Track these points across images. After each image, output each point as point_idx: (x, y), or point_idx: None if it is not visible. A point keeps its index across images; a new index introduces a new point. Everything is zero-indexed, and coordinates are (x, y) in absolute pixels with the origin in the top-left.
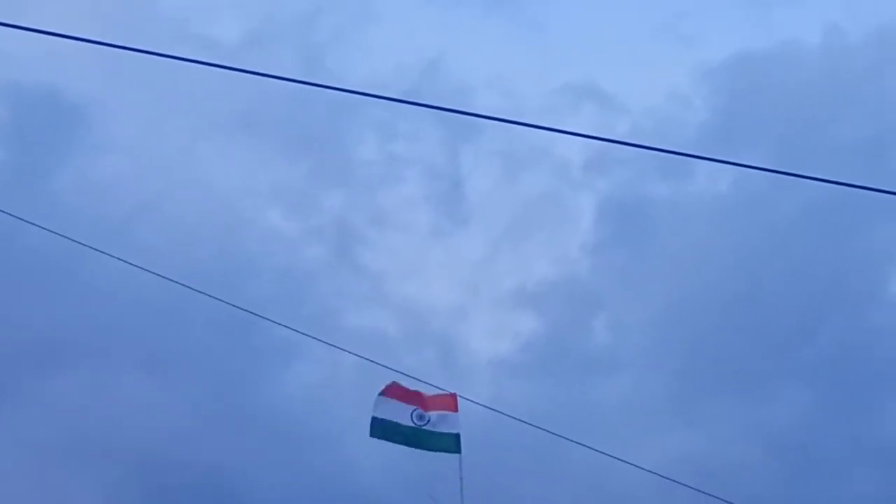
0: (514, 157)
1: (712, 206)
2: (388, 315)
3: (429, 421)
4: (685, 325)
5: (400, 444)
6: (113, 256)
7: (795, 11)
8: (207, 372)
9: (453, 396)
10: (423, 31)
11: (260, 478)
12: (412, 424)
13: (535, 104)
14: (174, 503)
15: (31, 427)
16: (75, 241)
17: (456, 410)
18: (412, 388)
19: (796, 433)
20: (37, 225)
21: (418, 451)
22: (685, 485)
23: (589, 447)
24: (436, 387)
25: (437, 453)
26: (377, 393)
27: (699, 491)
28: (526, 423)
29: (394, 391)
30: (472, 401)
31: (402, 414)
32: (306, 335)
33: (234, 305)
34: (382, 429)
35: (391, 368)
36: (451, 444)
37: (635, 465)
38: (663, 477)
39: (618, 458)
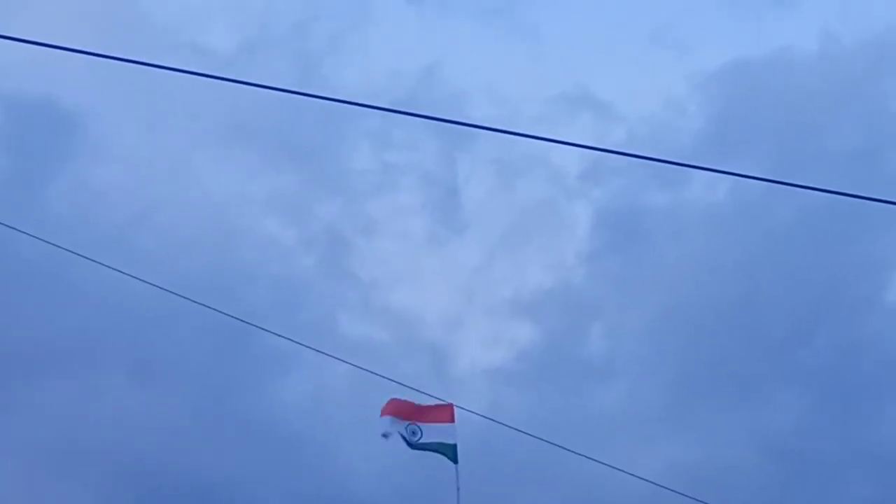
0: (510, 166)
1: (708, 213)
2: (384, 324)
3: (422, 435)
4: (681, 332)
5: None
6: (106, 266)
7: (790, 18)
8: (201, 380)
9: (450, 407)
10: (419, 39)
11: (255, 486)
12: (407, 439)
13: (531, 113)
14: None
15: (24, 433)
16: (69, 250)
17: (453, 421)
18: (406, 398)
19: (792, 439)
20: (31, 235)
21: (415, 458)
22: (681, 493)
23: (585, 456)
24: (432, 396)
25: (437, 458)
26: (379, 412)
27: (695, 499)
28: (522, 431)
29: (390, 408)
30: (468, 410)
31: (396, 429)
32: (301, 344)
33: (228, 315)
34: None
35: (387, 378)
36: (447, 454)
37: (631, 474)
38: (659, 485)
39: (613, 467)
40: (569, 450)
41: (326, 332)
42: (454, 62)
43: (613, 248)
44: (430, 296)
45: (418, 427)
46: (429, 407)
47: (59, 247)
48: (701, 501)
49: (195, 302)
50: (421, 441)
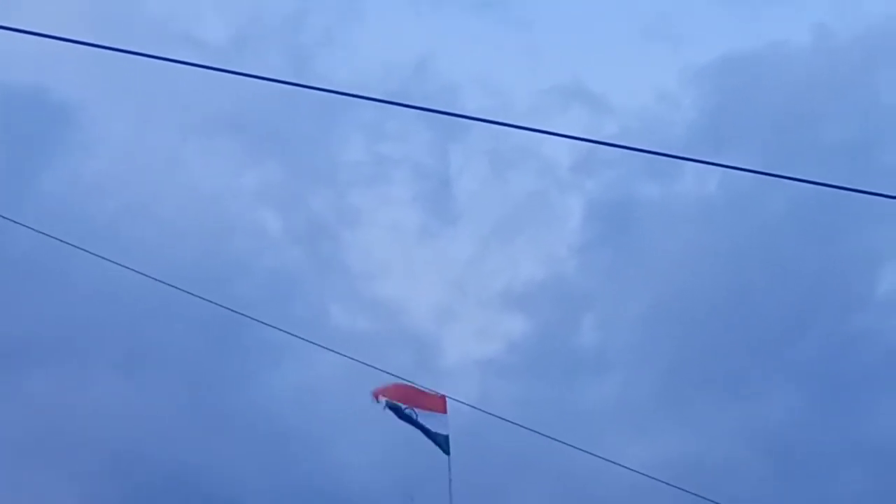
0: (503, 157)
1: (700, 206)
2: (376, 315)
3: (417, 418)
4: (673, 325)
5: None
6: (96, 255)
7: (784, 12)
8: (191, 372)
9: (442, 399)
10: (411, 31)
11: (245, 478)
12: (408, 414)
13: (524, 104)
14: (160, 503)
15: (10, 423)
16: (60, 240)
17: (444, 412)
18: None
19: (785, 431)
20: (22, 224)
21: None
22: (673, 485)
23: (576, 448)
24: (425, 389)
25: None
26: (372, 400)
27: (687, 491)
28: (514, 423)
29: (388, 392)
30: (460, 402)
31: (399, 407)
32: (293, 335)
33: (220, 305)
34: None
35: (379, 369)
36: (440, 442)
37: (623, 466)
38: (651, 477)
39: (605, 459)
40: (560, 441)
41: (318, 324)
42: (447, 54)
43: (605, 240)
44: (422, 287)
45: (414, 411)
46: (424, 393)
47: (50, 236)
48: (693, 494)
49: (186, 292)
50: (418, 422)
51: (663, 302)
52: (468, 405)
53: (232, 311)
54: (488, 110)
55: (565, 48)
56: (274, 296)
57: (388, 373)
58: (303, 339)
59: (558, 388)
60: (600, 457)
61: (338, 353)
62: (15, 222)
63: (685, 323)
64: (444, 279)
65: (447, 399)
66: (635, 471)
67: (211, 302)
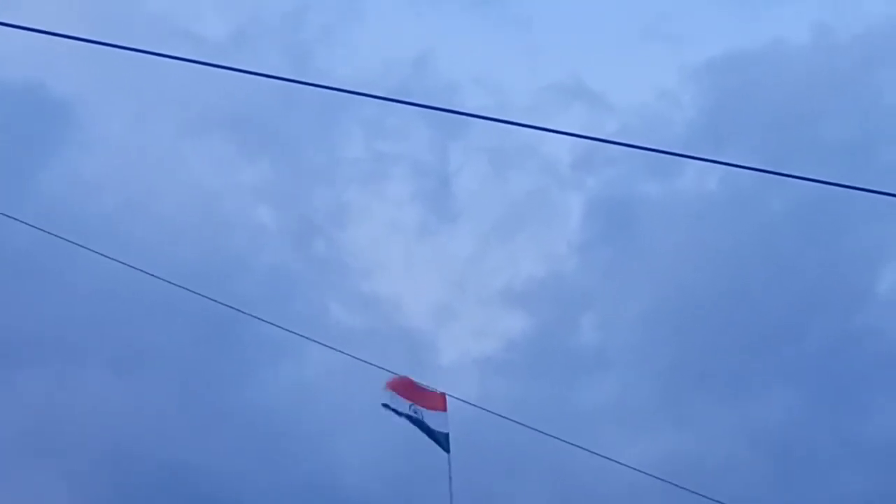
0: (503, 155)
1: (700, 204)
2: (374, 313)
3: (423, 417)
4: (673, 323)
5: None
6: (95, 252)
7: (783, 10)
8: (188, 369)
9: (442, 396)
10: (411, 28)
11: (243, 476)
12: (410, 415)
13: (523, 102)
14: (155, 502)
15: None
16: (59, 236)
17: (444, 409)
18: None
19: (784, 432)
20: (21, 221)
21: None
22: (672, 483)
23: (576, 446)
24: (424, 387)
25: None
26: (384, 385)
27: (686, 490)
28: (513, 421)
29: (393, 384)
30: (460, 399)
31: (402, 405)
32: (291, 332)
33: (218, 302)
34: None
35: (377, 366)
36: (440, 441)
37: (622, 465)
38: (650, 476)
39: (604, 457)
40: (560, 439)
41: (316, 321)
42: (447, 51)
43: (605, 239)
44: (421, 285)
45: (419, 409)
46: (425, 390)
47: (47, 232)
48: (692, 492)
49: (184, 288)
50: (423, 421)
51: (663, 300)
52: (468, 403)
53: (231, 307)
54: (488, 108)
55: (565, 46)
56: (272, 293)
57: (386, 370)
58: (301, 335)
59: (558, 386)
60: (600, 455)
61: (337, 350)
62: (13, 218)
63: (685, 321)
64: (444, 277)
65: (447, 397)
66: (635, 469)
67: (209, 299)
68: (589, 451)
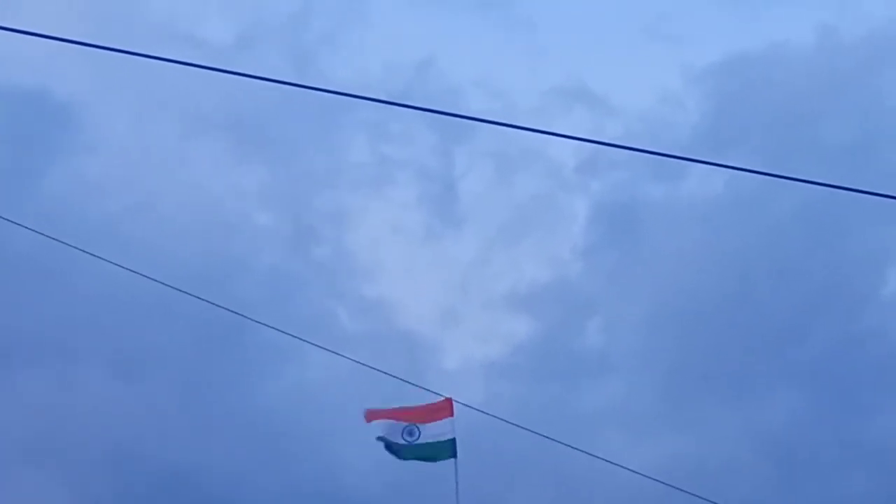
0: (507, 159)
1: (704, 207)
2: (379, 317)
3: (420, 435)
4: (677, 326)
5: (395, 457)
6: (96, 256)
7: (787, 12)
8: (190, 372)
9: (448, 401)
10: (414, 32)
11: (245, 478)
12: (403, 442)
13: (527, 106)
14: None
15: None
16: (60, 240)
17: (451, 415)
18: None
19: (787, 435)
20: (23, 226)
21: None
22: (676, 487)
23: (580, 450)
24: (429, 391)
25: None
26: (364, 419)
27: (691, 493)
28: (517, 426)
29: (376, 414)
30: (466, 405)
31: (394, 432)
32: (295, 336)
33: (220, 306)
34: (386, 446)
35: (381, 371)
36: (445, 450)
37: (627, 468)
38: (654, 479)
39: (609, 461)
40: (564, 444)
41: (320, 326)
42: (450, 55)
43: (610, 242)
44: (426, 289)
45: (416, 427)
46: (425, 407)
47: (49, 237)
48: (696, 496)
49: (185, 292)
50: (418, 441)
51: (667, 304)
52: (473, 408)
53: (233, 312)
54: (491, 111)
55: (568, 49)
56: (275, 297)
57: (390, 375)
58: (304, 339)
59: (562, 390)
60: (604, 459)
61: (340, 354)
62: (14, 223)
63: (689, 325)
64: (448, 281)
65: (453, 402)
66: (639, 473)
67: (211, 303)
68: (593, 455)
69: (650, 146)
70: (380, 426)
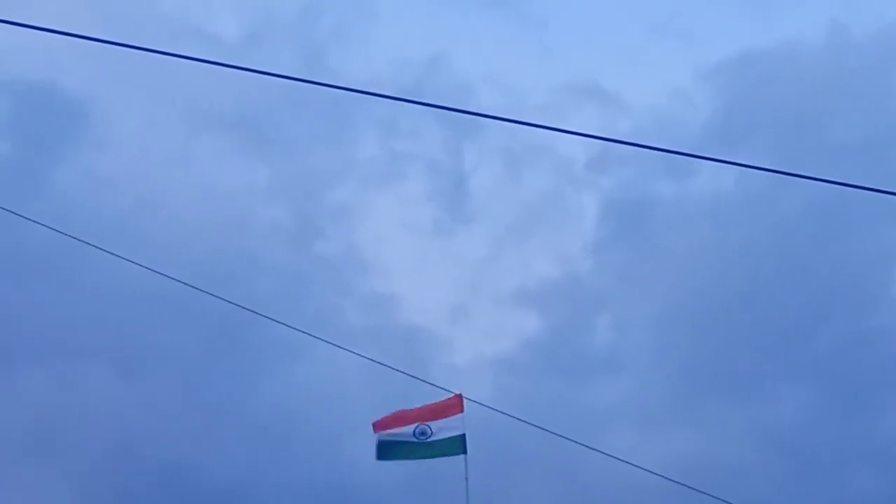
0: (517, 155)
1: (714, 205)
2: (389, 313)
3: (432, 433)
4: (686, 324)
5: (406, 459)
6: (106, 251)
7: (798, 9)
8: (198, 368)
9: (458, 397)
10: (425, 28)
11: (252, 475)
12: (415, 440)
13: (537, 102)
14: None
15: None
16: (70, 236)
17: (462, 411)
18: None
19: (797, 433)
20: (33, 220)
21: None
22: (685, 485)
23: (589, 447)
24: (438, 387)
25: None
26: (372, 426)
27: (699, 491)
28: (527, 422)
29: (387, 421)
30: (476, 402)
31: (404, 434)
32: (305, 333)
33: (231, 302)
34: (387, 451)
35: (391, 367)
36: (456, 446)
37: (635, 465)
38: (663, 477)
39: (618, 458)
40: (573, 440)
41: (328, 322)
42: (460, 51)
43: (620, 239)
44: (435, 285)
45: (428, 427)
46: (434, 405)
47: (58, 231)
48: (705, 494)
49: (194, 288)
50: (431, 439)
51: (677, 301)
52: (482, 405)
53: (242, 307)
54: (502, 108)
55: (579, 46)
56: (284, 292)
57: (400, 371)
58: (314, 336)
59: (571, 387)
60: (612, 456)
61: (350, 350)
62: (24, 217)
63: (698, 322)
64: (458, 277)
65: (463, 398)
66: (647, 470)
67: (219, 298)
68: (602, 452)
69: (660, 143)
70: (388, 434)
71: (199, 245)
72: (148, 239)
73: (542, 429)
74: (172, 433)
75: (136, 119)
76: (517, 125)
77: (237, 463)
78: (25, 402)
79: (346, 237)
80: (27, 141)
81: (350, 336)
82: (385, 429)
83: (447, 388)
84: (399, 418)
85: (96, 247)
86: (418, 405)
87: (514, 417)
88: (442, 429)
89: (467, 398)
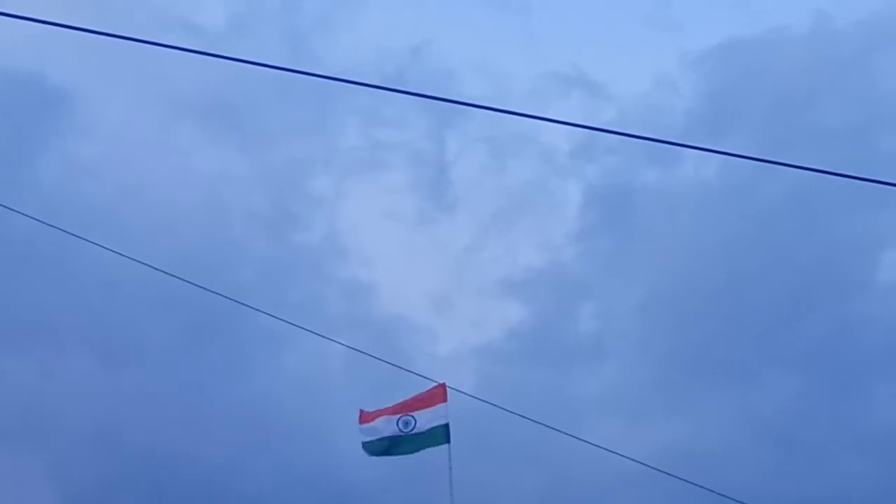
0: (501, 144)
1: (699, 193)
2: (373, 303)
3: (416, 424)
4: (671, 312)
5: (393, 455)
6: (90, 241)
7: None
8: (188, 359)
9: (442, 387)
10: (409, 16)
11: (236, 465)
12: (400, 433)
13: (522, 90)
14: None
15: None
16: (54, 226)
17: (445, 400)
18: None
19: (783, 420)
20: (13, 209)
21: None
22: (670, 474)
23: (573, 436)
24: (422, 377)
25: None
26: (357, 422)
27: (684, 480)
28: (511, 412)
29: (371, 415)
30: (460, 391)
31: (388, 427)
32: (288, 322)
33: (216, 293)
34: (373, 448)
35: (376, 357)
36: (440, 436)
37: (620, 454)
38: (648, 466)
39: (603, 447)
40: (557, 430)
41: (312, 311)
42: (444, 39)
43: (604, 227)
44: (419, 275)
45: (412, 417)
46: (418, 396)
47: (42, 222)
48: (690, 482)
49: (179, 278)
50: (415, 431)
51: (661, 289)
52: (467, 394)
53: (229, 298)
54: (486, 96)
55: (563, 34)
56: (267, 282)
57: (385, 361)
58: (300, 326)
59: (556, 375)
60: (597, 445)
61: (336, 341)
62: (8, 208)
63: (683, 310)
64: (442, 266)
65: (447, 388)
66: (632, 459)
67: (203, 288)
68: (586, 440)
69: (645, 131)
70: (370, 427)
71: (182, 234)
72: (131, 227)
73: (526, 418)
74: (155, 422)
75: (120, 108)
76: (502, 113)
77: (220, 452)
78: (8, 390)
79: (328, 226)
80: (10, 130)
81: (334, 326)
82: (370, 420)
83: (431, 378)
84: (383, 410)
85: (78, 236)
86: (402, 395)
87: (498, 407)
88: (426, 419)
89: (451, 388)
